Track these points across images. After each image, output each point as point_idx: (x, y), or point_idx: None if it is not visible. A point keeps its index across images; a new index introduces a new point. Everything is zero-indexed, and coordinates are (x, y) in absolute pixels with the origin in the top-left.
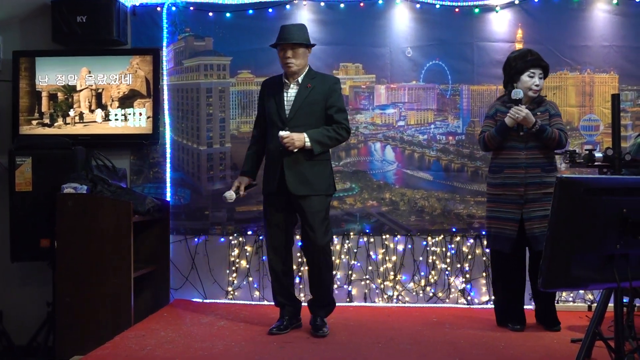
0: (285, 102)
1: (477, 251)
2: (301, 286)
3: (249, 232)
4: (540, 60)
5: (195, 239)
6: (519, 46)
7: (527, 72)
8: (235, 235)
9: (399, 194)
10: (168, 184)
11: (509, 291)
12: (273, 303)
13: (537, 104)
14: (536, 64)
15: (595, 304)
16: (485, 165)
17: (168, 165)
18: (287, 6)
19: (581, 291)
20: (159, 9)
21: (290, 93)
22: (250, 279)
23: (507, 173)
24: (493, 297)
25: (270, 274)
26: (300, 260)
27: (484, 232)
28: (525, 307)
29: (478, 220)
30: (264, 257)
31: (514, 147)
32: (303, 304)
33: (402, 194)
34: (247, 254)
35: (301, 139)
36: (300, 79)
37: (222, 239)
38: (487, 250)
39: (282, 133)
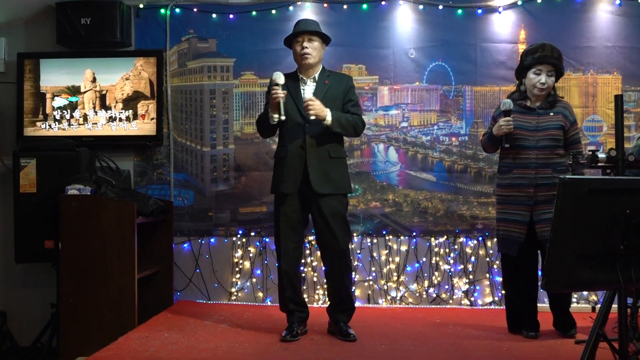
0: (304, 98)
1: (481, 252)
2: (304, 287)
3: (253, 234)
4: (550, 57)
5: (199, 240)
6: (522, 47)
7: (534, 68)
8: (239, 236)
9: (402, 195)
10: (172, 186)
11: (521, 296)
12: (279, 308)
13: (549, 105)
14: (544, 61)
15: (599, 305)
16: (489, 166)
17: (172, 166)
18: (290, 7)
19: (585, 292)
20: (162, 10)
21: (308, 89)
22: (254, 280)
23: (516, 173)
24: (504, 303)
25: (282, 280)
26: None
27: (487, 233)
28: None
29: (481, 221)
30: (267, 259)
31: (523, 146)
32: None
33: (406, 195)
34: (251, 255)
35: (324, 110)
36: (316, 76)
37: (226, 240)
38: (493, 253)
39: (310, 95)
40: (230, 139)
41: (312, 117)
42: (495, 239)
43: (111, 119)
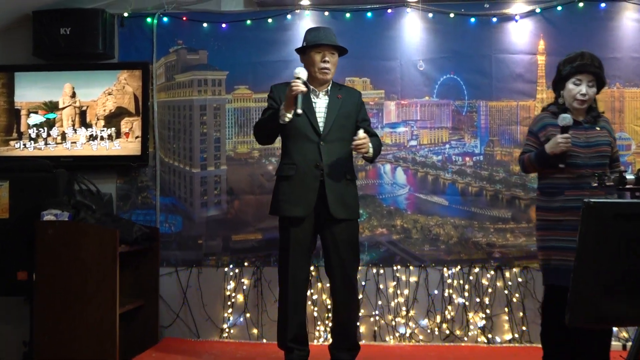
0: (317, 114)
1: (499, 284)
2: None
3: (247, 264)
4: (591, 65)
5: (188, 271)
6: (540, 58)
7: (573, 78)
8: (231, 266)
9: (411, 220)
10: (158, 211)
11: (566, 342)
12: (277, 344)
13: (593, 119)
14: (584, 70)
15: (630, 343)
16: (506, 189)
17: (158, 189)
18: (288, 16)
19: (615, 328)
20: (149, 19)
21: (320, 104)
22: (248, 315)
23: (569, 195)
24: (544, 346)
25: (287, 312)
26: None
27: (494, 260)
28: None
29: (499, 249)
30: (262, 291)
31: (575, 164)
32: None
33: (415, 220)
34: (245, 287)
35: (368, 147)
36: (329, 89)
37: (217, 271)
38: (512, 284)
39: (361, 133)
40: (222, 159)
41: (362, 155)
42: (516, 269)
43: (92, 138)
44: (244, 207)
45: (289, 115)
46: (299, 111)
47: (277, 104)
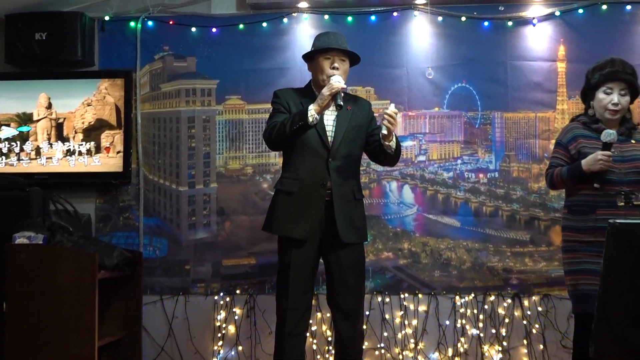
0: (326, 126)
1: (516, 313)
2: None
3: (239, 291)
4: (623, 72)
5: (174, 299)
6: (560, 65)
7: (604, 87)
8: (221, 294)
9: (419, 243)
10: (141, 233)
11: None
12: None
13: (627, 131)
14: (615, 77)
15: None
16: (524, 208)
17: (141, 209)
18: (285, 19)
19: None
20: (132, 23)
21: (329, 116)
22: (240, 348)
23: (601, 214)
24: None
25: (284, 346)
26: None
27: (511, 287)
28: None
29: (516, 275)
30: (256, 322)
31: (609, 180)
32: None
33: (424, 243)
34: (237, 317)
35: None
36: (338, 99)
37: (206, 299)
38: (531, 314)
39: (393, 107)
40: (212, 177)
41: (385, 132)
42: (535, 297)
43: (69, 153)
44: (236, 228)
45: (317, 117)
46: (341, 102)
47: (285, 108)
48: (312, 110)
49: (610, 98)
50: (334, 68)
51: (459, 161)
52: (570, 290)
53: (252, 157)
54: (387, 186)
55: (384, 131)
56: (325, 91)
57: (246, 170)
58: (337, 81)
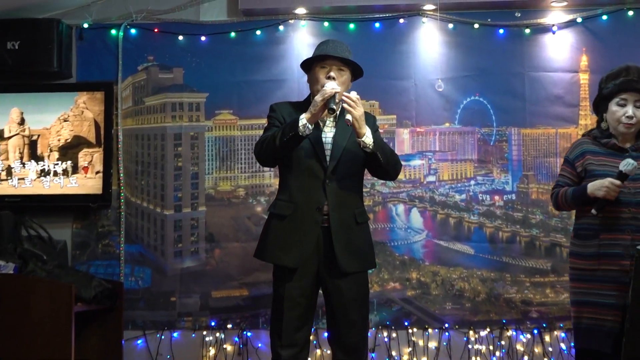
0: (324, 143)
1: (537, 350)
2: None
3: (230, 326)
4: (638, 82)
5: (158, 335)
6: (583, 77)
7: (617, 98)
8: (211, 329)
9: (429, 272)
10: (122, 261)
11: None
12: None
13: None
14: (629, 87)
15: None
16: (544, 234)
17: (122, 235)
18: (281, 27)
19: None
20: (113, 31)
21: (328, 133)
22: None
23: (605, 239)
24: None
25: None
26: None
27: (530, 321)
28: None
29: (536, 308)
30: (249, 359)
31: (617, 201)
32: None
33: (434, 272)
34: (228, 355)
35: (364, 123)
36: (337, 114)
37: (194, 335)
38: (553, 350)
39: (354, 94)
40: (201, 199)
41: (348, 119)
42: (558, 332)
43: (43, 173)
44: (227, 257)
45: (310, 127)
46: (334, 106)
47: (281, 123)
48: (303, 119)
49: (624, 110)
50: (329, 78)
51: (472, 182)
52: (574, 323)
53: (245, 178)
54: (394, 209)
55: (348, 117)
56: (318, 97)
57: (238, 192)
58: (331, 87)
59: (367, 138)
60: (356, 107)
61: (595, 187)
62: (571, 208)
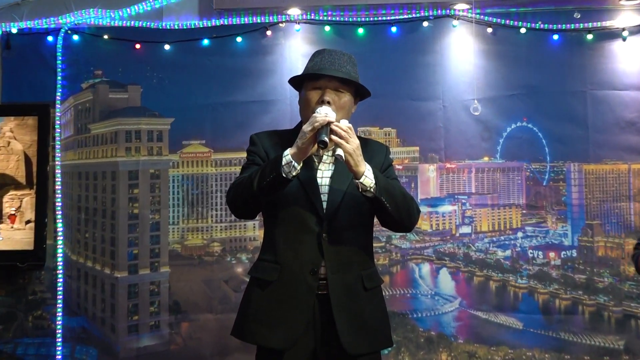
0: (320, 187)
1: None
2: None
3: None
4: None
5: None
6: None
7: None
8: None
9: (464, 353)
10: (59, 339)
11: None
12: None
13: None
14: None
15: None
16: (616, 303)
17: (59, 304)
18: (268, 32)
19: None
20: (50, 38)
21: (324, 172)
22: None
23: None
24: None
25: None
26: None
27: None
28: None
29: None
30: None
31: None
32: None
33: (470, 353)
34: None
35: (362, 160)
36: (336, 148)
37: None
38: None
39: (344, 122)
40: (164, 257)
41: (339, 155)
42: None
43: None
44: (198, 332)
45: (297, 166)
46: (325, 138)
47: (262, 159)
48: (288, 156)
49: None
50: (323, 102)
51: (520, 234)
52: None
53: (221, 229)
54: (416, 270)
55: (339, 152)
56: (306, 127)
57: (213, 247)
58: (324, 114)
59: (367, 178)
60: (348, 138)
61: None
62: None
